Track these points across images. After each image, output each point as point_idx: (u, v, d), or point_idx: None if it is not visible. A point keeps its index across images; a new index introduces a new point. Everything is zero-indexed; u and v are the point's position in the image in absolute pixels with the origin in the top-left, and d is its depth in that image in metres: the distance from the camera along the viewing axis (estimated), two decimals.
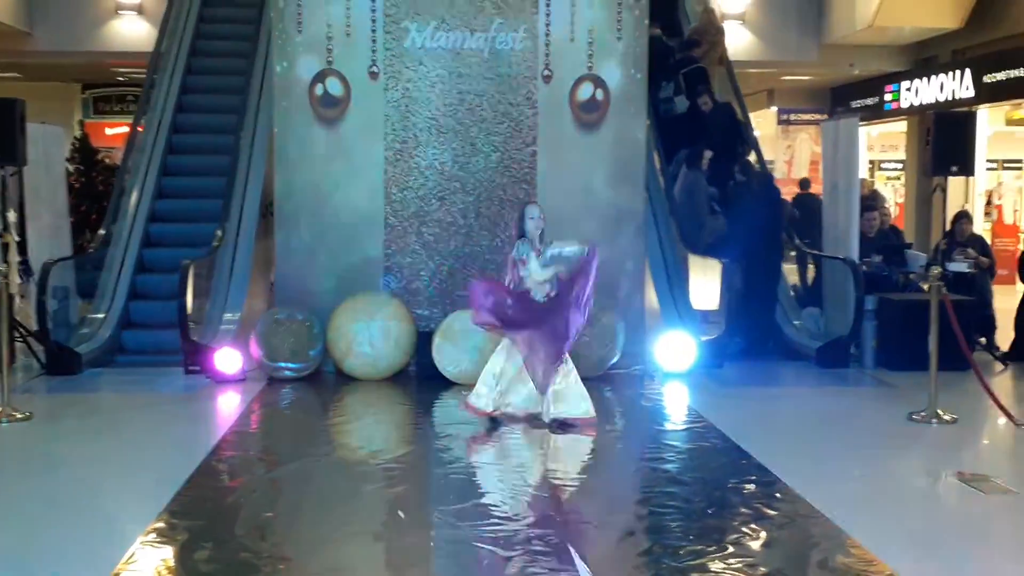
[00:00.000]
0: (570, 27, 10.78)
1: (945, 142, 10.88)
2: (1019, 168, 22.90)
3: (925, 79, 19.61)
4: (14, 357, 10.61)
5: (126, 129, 15.73)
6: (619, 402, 9.34)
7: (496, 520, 6.10)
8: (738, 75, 14.44)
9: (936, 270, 8.97)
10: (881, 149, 25.83)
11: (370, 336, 10.00)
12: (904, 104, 20.64)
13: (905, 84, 20.52)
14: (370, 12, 10.65)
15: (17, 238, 10.79)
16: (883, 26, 17.85)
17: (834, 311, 11.45)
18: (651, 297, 11.43)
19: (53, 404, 9.39)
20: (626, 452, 8.18)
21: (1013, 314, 11.68)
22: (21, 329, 10.52)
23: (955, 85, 18.38)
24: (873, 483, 6.96)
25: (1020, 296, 11.84)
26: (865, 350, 10.99)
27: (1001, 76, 17.13)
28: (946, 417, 8.50)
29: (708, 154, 12.97)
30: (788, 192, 18.11)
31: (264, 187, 11.88)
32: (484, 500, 6.55)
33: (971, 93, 17.89)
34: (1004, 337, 11.80)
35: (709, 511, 6.38)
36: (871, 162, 25.41)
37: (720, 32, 14.62)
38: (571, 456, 7.83)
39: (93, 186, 16.73)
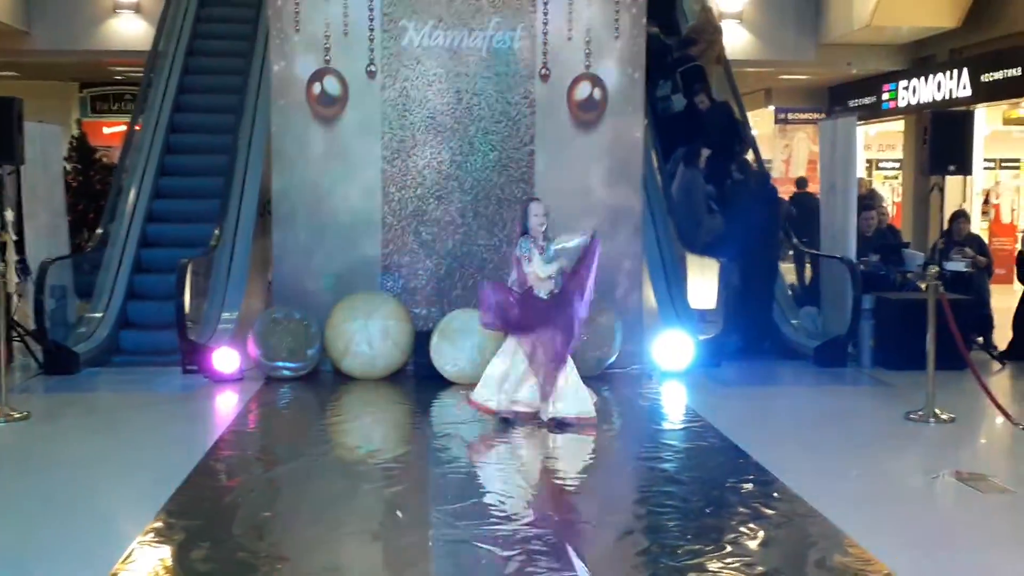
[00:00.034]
0: (568, 26, 10.77)
1: (942, 141, 10.89)
2: (1017, 167, 22.93)
3: (923, 78, 19.62)
4: (12, 356, 10.61)
5: (124, 128, 15.72)
6: (617, 401, 9.34)
7: (494, 520, 6.10)
8: (736, 74, 14.45)
9: (934, 269, 8.99)
10: (879, 148, 25.85)
11: (368, 335, 9.99)
12: (902, 103, 20.65)
13: (903, 83, 20.53)
14: (368, 11, 10.64)
15: (15, 237, 10.78)
16: (880, 25, 17.85)
17: (832, 310, 11.45)
18: (649, 296, 11.42)
19: (51, 403, 9.38)
20: (624, 451, 8.18)
21: (1010, 313, 11.70)
22: (19, 328, 10.52)
23: (952, 84, 18.39)
24: (871, 482, 6.96)
25: (1018, 295, 11.84)
26: (863, 349, 10.99)
27: (998, 75, 17.15)
28: (943, 416, 8.51)
29: (706, 152, 12.98)
30: (785, 191, 18.13)
31: (262, 186, 11.87)
32: (482, 500, 6.54)
33: (968, 92, 17.90)
34: (1002, 336, 11.81)
35: (707, 510, 6.38)
36: (868, 161, 25.43)
37: (718, 31, 14.61)
38: (569, 456, 7.83)
39: (91, 185, 16.74)
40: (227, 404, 9.41)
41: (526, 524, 6.05)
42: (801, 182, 18.28)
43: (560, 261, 8.16)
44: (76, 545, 5.68)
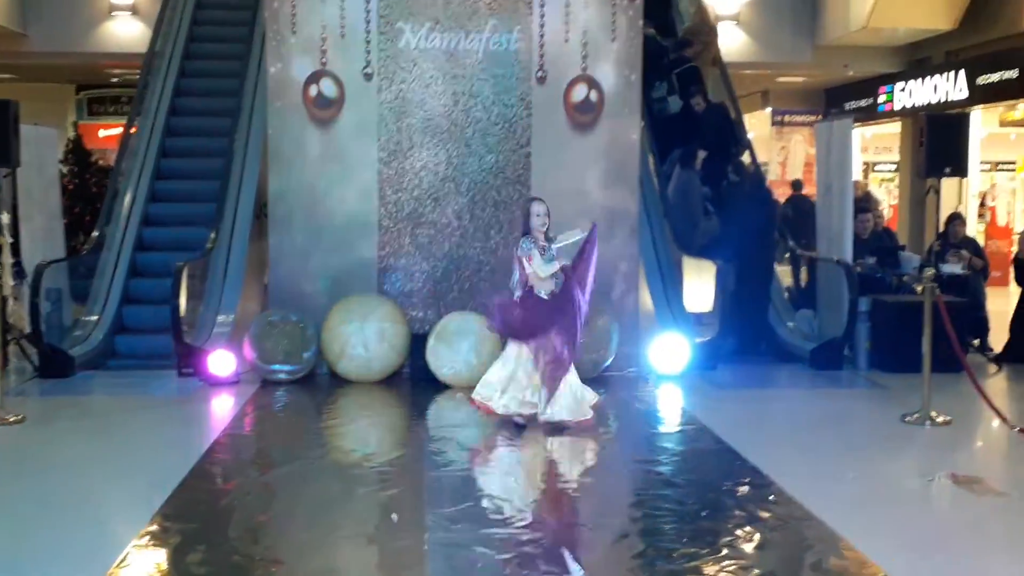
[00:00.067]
0: (564, 28, 10.77)
1: (938, 143, 10.89)
2: (1013, 170, 22.94)
3: (919, 80, 19.64)
4: (7, 359, 10.60)
5: (120, 131, 15.72)
6: (613, 404, 9.32)
7: (490, 523, 6.10)
8: (732, 76, 14.44)
9: (929, 272, 8.99)
10: (875, 151, 25.85)
11: (364, 338, 9.99)
12: (898, 106, 20.67)
13: (899, 85, 20.55)
14: (364, 13, 10.63)
15: (10, 240, 10.77)
16: (877, 27, 17.87)
17: (828, 313, 11.45)
18: (645, 299, 11.42)
19: (46, 406, 9.37)
20: (620, 454, 8.17)
21: (1006, 315, 11.71)
22: (14, 331, 10.50)
23: (949, 86, 18.41)
24: (867, 485, 6.96)
25: (1013, 297, 11.84)
26: (859, 352, 10.99)
27: (995, 77, 17.16)
28: (939, 419, 8.51)
29: (702, 154, 12.98)
30: (781, 194, 18.14)
31: (258, 188, 11.86)
32: (478, 503, 6.53)
33: (964, 94, 17.91)
34: (997, 339, 11.82)
35: (703, 513, 6.38)
36: (865, 164, 25.44)
37: (713, 32, 14.62)
38: (565, 459, 7.82)
39: (87, 188, 16.73)
40: (223, 407, 9.41)
41: (522, 527, 6.04)
42: (796, 184, 18.31)
43: (561, 260, 8.11)
44: (71, 548, 5.67)
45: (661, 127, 13.28)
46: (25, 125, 10.59)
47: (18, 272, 10.76)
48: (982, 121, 19.19)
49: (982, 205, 21.17)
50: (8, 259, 10.55)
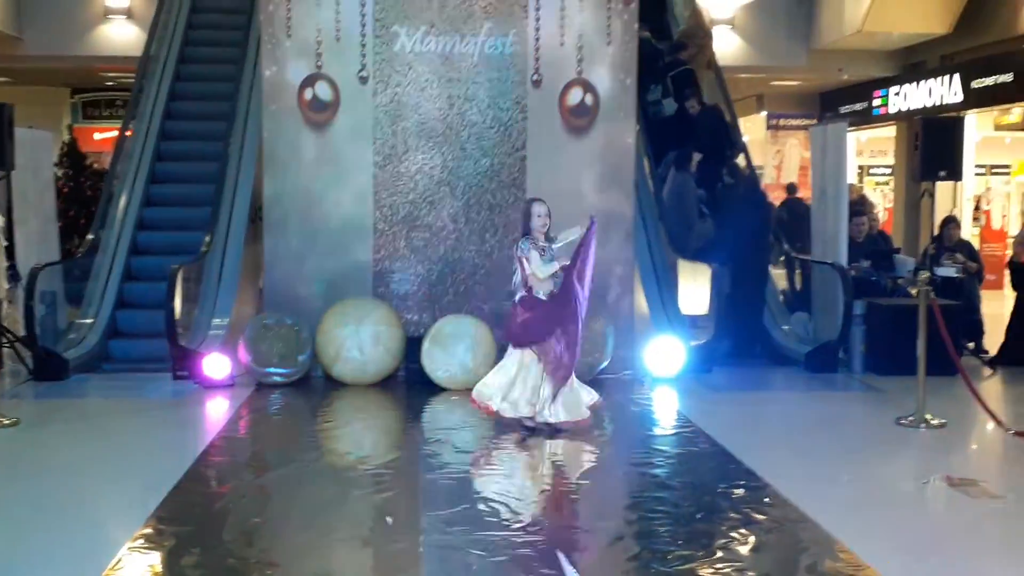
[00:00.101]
0: (560, 32, 10.78)
1: (933, 147, 10.87)
2: (1007, 173, 22.99)
3: (914, 84, 19.67)
4: (1, 362, 10.63)
5: (115, 134, 15.72)
6: (608, 407, 9.31)
7: (485, 526, 6.09)
8: (728, 80, 14.46)
9: (924, 275, 8.99)
10: (870, 154, 25.91)
11: (359, 341, 9.98)
12: (892, 109, 20.71)
13: (894, 89, 20.59)
14: (360, 16, 10.64)
15: (5, 243, 10.75)
16: (872, 31, 17.91)
17: (823, 316, 11.46)
18: (640, 302, 11.42)
19: (40, 409, 9.35)
20: (615, 457, 8.17)
21: (1000, 318, 11.72)
22: (8, 334, 10.48)
23: (944, 90, 18.45)
24: (862, 488, 6.96)
25: (1008, 301, 11.85)
26: (854, 355, 11.00)
27: (989, 81, 17.20)
28: (934, 422, 8.52)
29: (697, 156, 12.99)
30: (776, 197, 18.17)
31: (253, 192, 11.85)
32: (473, 505, 6.52)
33: (959, 98, 17.95)
34: (992, 342, 11.83)
35: (698, 516, 6.37)
36: (860, 167, 25.49)
37: (708, 35, 14.64)
38: (560, 461, 7.82)
39: (81, 191, 16.70)
40: (218, 410, 9.40)
41: (517, 530, 6.04)
42: (791, 188, 18.33)
43: (562, 260, 8.05)
44: (66, 551, 5.66)
45: (656, 130, 13.29)
46: (20, 128, 10.57)
47: (13, 275, 10.73)
48: (977, 125, 19.24)
49: (977, 209, 21.22)
50: (3, 262, 10.52)
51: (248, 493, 6.95)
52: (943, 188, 16.25)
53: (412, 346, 10.19)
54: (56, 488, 6.86)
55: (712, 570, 5.40)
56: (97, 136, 24.47)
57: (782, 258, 13.48)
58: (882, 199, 24.11)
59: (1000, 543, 6.03)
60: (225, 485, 7.22)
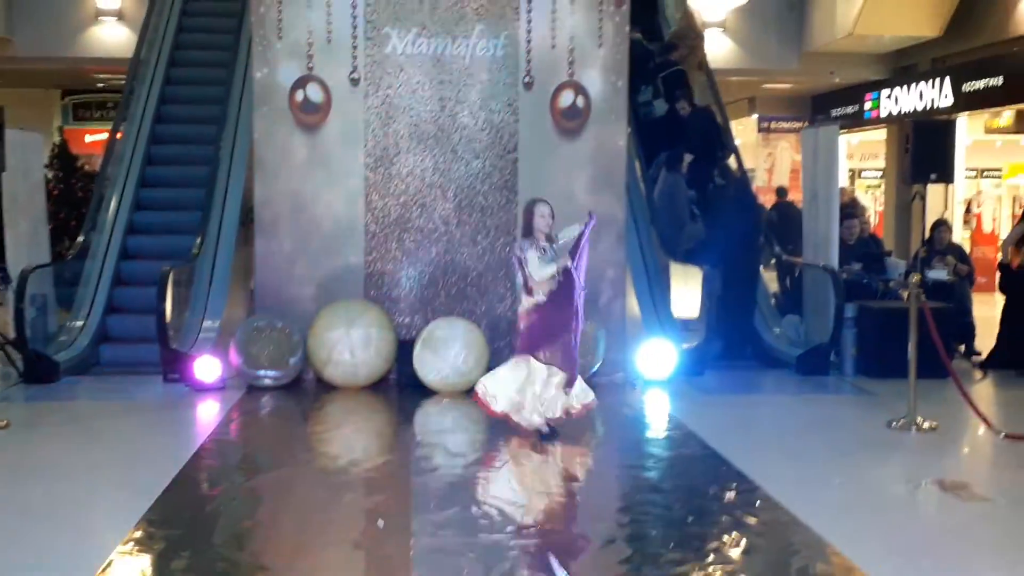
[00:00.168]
0: (551, 34, 10.77)
1: (924, 150, 10.92)
2: (998, 177, 23.05)
3: (905, 87, 19.71)
4: None
5: (106, 136, 15.68)
6: (600, 410, 9.28)
7: (477, 529, 6.08)
8: (719, 82, 14.48)
9: (915, 278, 9.00)
10: (861, 158, 25.97)
11: (350, 344, 9.96)
12: (883, 112, 20.75)
13: (885, 92, 20.62)
14: (351, 18, 10.62)
15: None
16: (863, 34, 17.95)
17: (814, 319, 11.48)
18: (632, 305, 11.42)
19: (31, 412, 9.32)
20: (607, 460, 8.17)
21: (991, 321, 11.74)
22: None
23: (934, 93, 18.48)
24: (853, 491, 6.97)
25: (999, 304, 11.88)
26: (845, 358, 11.02)
27: (980, 84, 17.25)
28: (925, 425, 8.52)
29: (688, 157, 13.01)
30: (767, 200, 18.19)
31: (244, 194, 11.83)
32: (465, 508, 6.51)
33: (950, 101, 17.99)
34: (984, 345, 11.86)
35: (689, 519, 6.37)
36: (851, 170, 25.54)
37: (699, 37, 14.67)
38: (552, 464, 7.80)
39: (72, 193, 16.68)
40: (208, 413, 9.38)
41: (508, 533, 6.03)
42: (781, 191, 18.35)
43: (558, 261, 7.94)
44: (55, 554, 5.64)
45: (647, 131, 13.30)
46: (10, 130, 10.56)
47: (3, 277, 10.72)
48: (968, 128, 19.27)
49: (968, 212, 21.27)
50: None
51: (239, 496, 6.94)
52: (934, 191, 16.28)
53: (404, 349, 10.18)
54: (46, 491, 6.83)
55: (704, 573, 5.41)
56: (88, 138, 24.41)
57: (773, 260, 13.50)
58: (873, 202, 24.18)
59: (990, 545, 6.03)
60: (216, 488, 7.21)
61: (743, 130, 24.83)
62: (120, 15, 18.79)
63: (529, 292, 8.05)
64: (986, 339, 11.79)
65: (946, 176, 11.37)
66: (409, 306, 10.73)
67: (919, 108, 19.00)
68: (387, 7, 10.67)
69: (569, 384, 8.07)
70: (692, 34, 14.47)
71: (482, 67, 10.75)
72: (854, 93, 22.04)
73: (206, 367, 9.96)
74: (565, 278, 7.97)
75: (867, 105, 21.48)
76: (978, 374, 11.21)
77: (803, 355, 10.98)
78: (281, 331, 10.13)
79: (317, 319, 10.13)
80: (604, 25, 10.83)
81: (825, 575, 5.42)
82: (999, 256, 12.58)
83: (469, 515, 6.37)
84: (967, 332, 12.05)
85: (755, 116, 25.41)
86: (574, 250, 7.97)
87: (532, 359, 8.05)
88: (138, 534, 5.91)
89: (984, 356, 11.67)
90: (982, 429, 8.63)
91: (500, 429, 8.26)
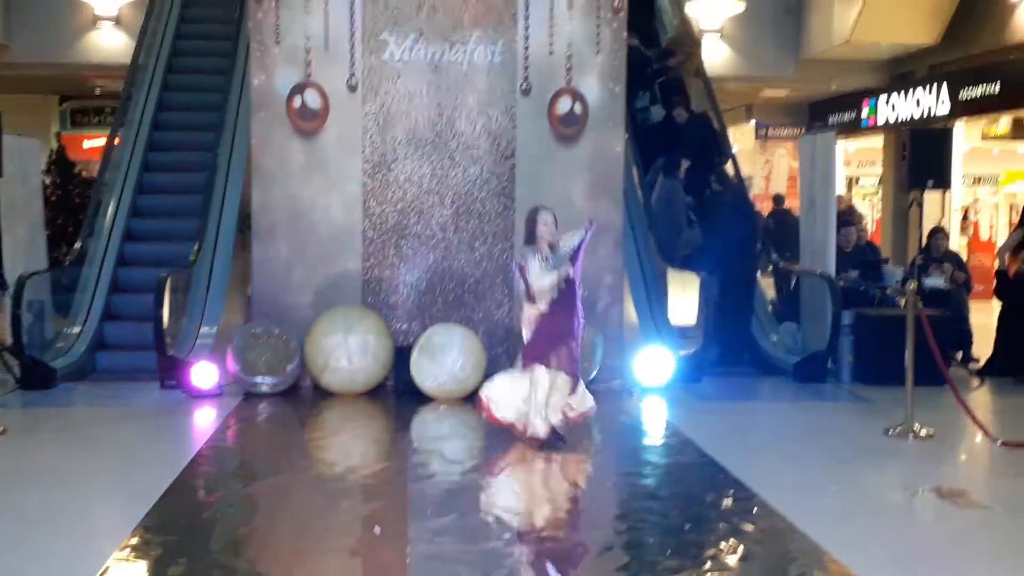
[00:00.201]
0: (549, 41, 10.77)
1: (921, 157, 10.94)
2: (995, 184, 23.06)
3: (902, 95, 19.72)
4: None
5: (103, 142, 15.67)
6: (597, 417, 9.25)
7: (474, 536, 6.08)
8: (716, 90, 14.48)
9: (912, 285, 9.01)
10: (858, 165, 25.97)
11: (348, 351, 9.95)
12: (881, 120, 20.76)
13: (882, 99, 20.63)
14: (349, 25, 10.62)
15: None
16: (860, 42, 17.95)
17: (811, 326, 11.48)
18: (630, 311, 11.42)
19: (28, 418, 9.30)
20: (604, 467, 8.17)
21: (988, 329, 11.74)
22: None
23: (931, 101, 18.50)
24: (850, 498, 6.96)
25: (996, 312, 11.88)
26: (842, 365, 11.02)
27: (977, 92, 17.26)
28: (923, 432, 8.52)
29: (685, 163, 13.02)
30: (764, 208, 18.21)
31: (242, 201, 11.82)
32: (461, 515, 6.51)
33: (947, 109, 18.00)
34: (981, 352, 11.86)
35: (686, 526, 6.37)
36: (848, 178, 25.55)
37: (696, 43, 14.68)
38: (549, 471, 7.79)
39: (69, 199, 16.64)
40: (205, 419, 9.36)
41: (505, 540, 6.03)
42: (778, 199, 18.38)
43: (560, 270, 7.89)
44: (52, 560, 5.63)
45: (644, 136, 13.31)
46: (8, 135, 10.54)
47: (0, 283, 10.70)
48: (965, 136, 19.29)
49: (965, 219, 21.28)
50: None
51: (236, 503, 6.94)
52: (931, 199, 16.31)
53: (401, 355, 10.17)
54: (43, 497, 6.81)
55: None
56: (86, 144, 24.39)
57: (770, 267, 13.51)
58: (870, 209, 24.18)
59: (987, 553, 6.03)
60: (213, 494, 7.21)
61: (740, 137, 24.83)
62: (118, 21, 18.75)
63: (531, 300, 8.00)
64: (983, 346, 11.80)
65: (943, 183, 11.40)
66: (407, 312, 10.73)
67: (916, 115, 19.00)
68: (385, 13, 10.67)
69: (573, 389, 8.07)
70: (689, 40, 14.49)
71: (480, 74, 10.76)
72: (851, 100, 22.06)
73: (203, 374, 9.94)
74: (567, 286, 7.95)
75: (864, 112, 21.50)
76: (975, 381, 11.22)
77: (800, 362, 10.98)
78: (278, 338, 10.12)
79: (314, 325, 10.12)
80: (602, 32, 10.84)
81: None
82: (996, 263, 12.59)
83: (466, 522, 6.37)
84: (964, 339, 12.05)
85: (752, 123, 25.43)
86: (574, 257, 7.96)
87: (536, 368, 8.00)
88: (135, 540, 5.90)
89: (981, 363, 11.68)
90: (979, 436, 8.64)
91: (497, 436, 8.25)
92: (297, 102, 10.60)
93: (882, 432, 8.62)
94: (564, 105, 10.82)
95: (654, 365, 10.37)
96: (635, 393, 10.24)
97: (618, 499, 7.21)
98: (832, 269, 11.26)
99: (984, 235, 20.95)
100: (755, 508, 6.65)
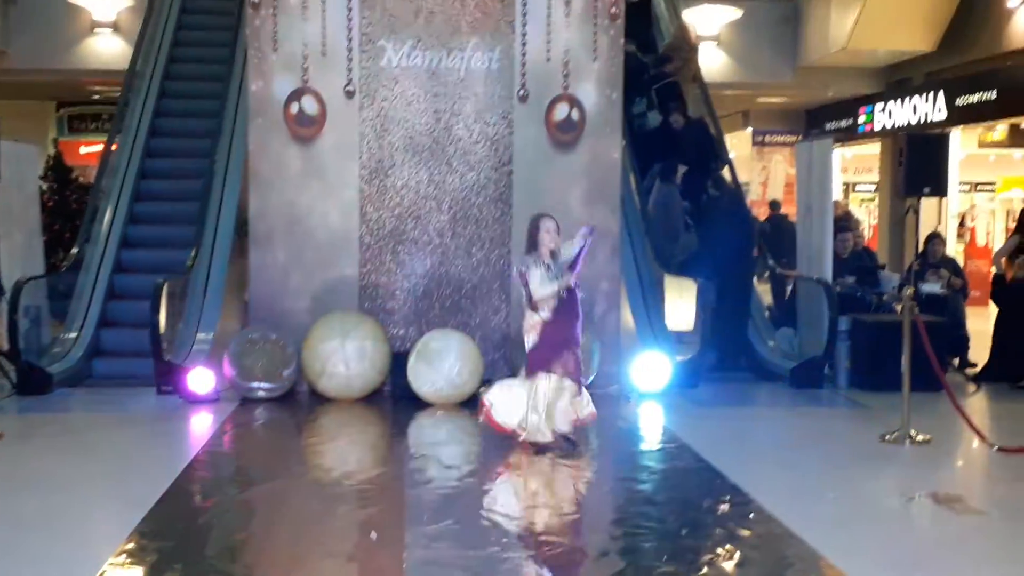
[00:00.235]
0: (546, 47, 10.79)
1: (918, 163, 10.92)
2: (992, 190, 23.11)
3: (898, 101, 19.75)
4: None
5: (101, 148, 15.67)
6: (595, 422, 9.31)
7: (470, 542, 6.08)
8: (713, 96, 14.49)
9: (909, 291, 9.02)
10: (855, 171, 26.00)
11: (345, 356, 9.95)
12: (878, 126, 20.78)
13: (879, 106, 20.66)
14: (346, 31, 10.64)
15: None
16: (857, 48, 17.97)
17: (808, 332, 11.48)
18: (627, 317, 11.43)
19: (24, 424, 9.30)
20: (601, 472, 8.16)
21: (985, 335, 11.75)
22: None
23: (928, 107, 18.52)
24: (847, 504, 6.96)
25: (992, 317, 11.90)
26: (839, 370, 11.03)
27: (974, 98, 17.28)
28: (919, 438, 8.53)
29: (682, 168, 13.02)
30: (760, 214, 18.21)
31: (239, 206, 11.82)
32: (458, 521, 6.51)
33: (943, 115, 18.02)
34: (977, 358, 11.87)
35: (683, 532, 6.37)
36: (845, 184, 25.58)
37: (693, 49, 14.68)
38: (546, 477, 7.79)
39: (67, 205, 16.65)
40: (202, 425, 9.36)
41: (502, 545, 6.02)
42: (774, 205, 18.38)
43: (562, 280, 7.87)
44: (48, 566, 5.63)
45: (641, 142, 13.32)
46: (5, 141, 10.56)
47: None
48: (961, 142, 19.32)
49: (961, 225, 21.31)
50: None
51: (232, 508, 6.93)
52: (928, 205, 16.29)
53: (398, 361, 10.17)
54: (39, 502, 6.81)
55: None
56: (83, 150, 24.39)
57: (767, 273, 13.51)
58: (867, 216, 24.21)
59: (984, 558, 6.03)
60: (209, 500, 7.20)
61: (737, 143, 24.86)
62: (116, 27, 18.74)
63: (534, 308, 8.00)
64: (980, 352, 11.80)
65: (939, 190, 11.36)
66: (403, 318, 10.73)
67: (913, 122, 19.03)
68: (382, 20, 10.69)
69: (578, 393, 8.08)
70: (686, 47, 14.50)
71: (477, 80, 10.77)
72: (848, 107, 22.08)
73: (200, 379, 9.94)
74: (568, 293, 7.96)
75: (861, 119, 21.52)
76: (971, 387, 11.23)
77: (797, 368, 10.98)
78: (275, 343, 10.11)
79: (311, 331, 10.12)
80: (599, 38, 10.85)
81: None
82: (993, 269, 12.61)
83: (463, 528, 6.37)
84: (961, 345, 12.06)
85: (749, 129, 25.44)
86: (573, 265, 7.97)
87: (540, 376, 7.99)
88: (131, 546, 5.89)
89: (978, 369, 11.69)
90: (976, 442, 8.63)
91: (494, 442, 8.26)
92: (294, 108, 10.61)
93: (879, 438, 8.63)
94: (561, 111, 10.84)
95: (651, 371, 10.37)
96: (632, 398, 10.24)
97: (615, 504, 7.21)
98: (829, 275, 11.27)
99: (981, 241, 20.98)
100: (752, 513, 6.65)
